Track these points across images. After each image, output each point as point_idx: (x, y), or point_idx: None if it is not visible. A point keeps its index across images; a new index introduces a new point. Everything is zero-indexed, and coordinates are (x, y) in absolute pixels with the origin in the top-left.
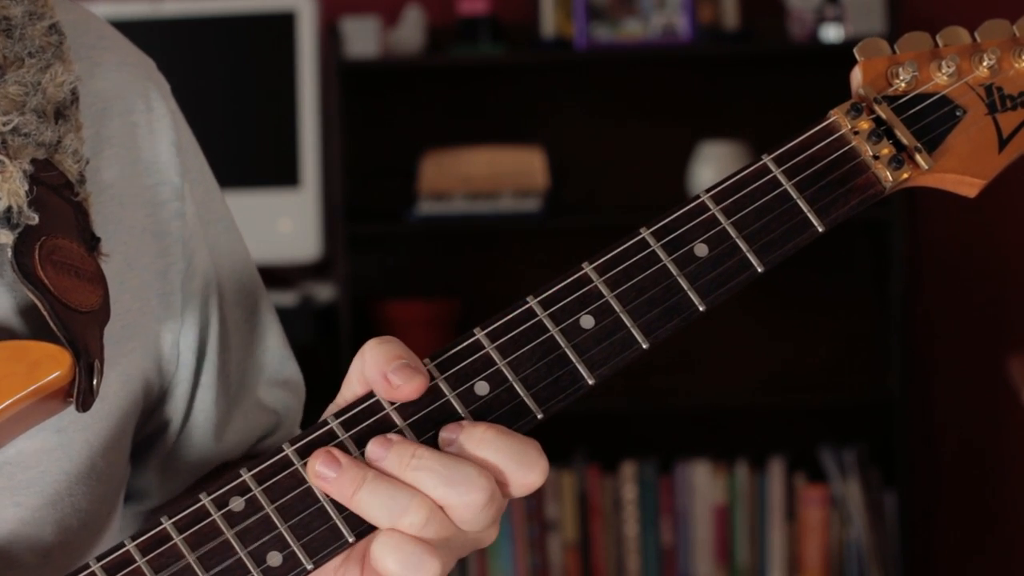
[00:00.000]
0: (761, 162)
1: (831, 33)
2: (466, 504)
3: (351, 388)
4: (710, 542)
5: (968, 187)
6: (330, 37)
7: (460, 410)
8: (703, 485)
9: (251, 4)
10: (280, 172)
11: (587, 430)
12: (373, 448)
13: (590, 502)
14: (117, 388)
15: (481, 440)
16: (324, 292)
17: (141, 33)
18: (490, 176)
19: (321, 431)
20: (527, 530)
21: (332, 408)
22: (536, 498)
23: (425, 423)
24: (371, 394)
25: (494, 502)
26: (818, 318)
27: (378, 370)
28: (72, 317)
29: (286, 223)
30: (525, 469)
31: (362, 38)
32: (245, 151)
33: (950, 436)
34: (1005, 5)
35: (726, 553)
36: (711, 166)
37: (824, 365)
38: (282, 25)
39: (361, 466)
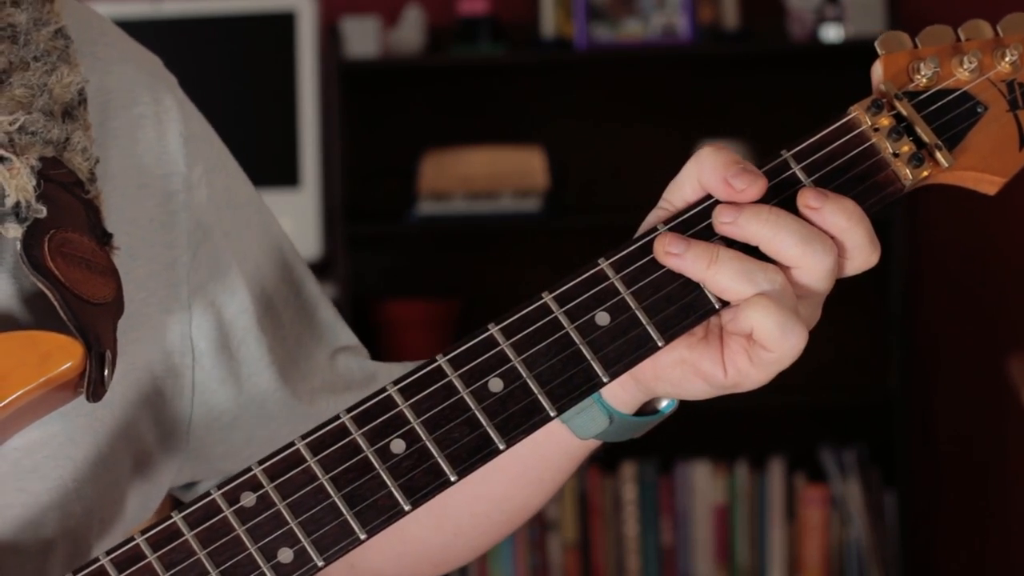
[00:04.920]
0: (781, 158)
1: (831, 33)
2: (816, 264)
3: (681, 193)
4: (710, 542)
5: (988, 185)
6: (330, 37)
7: (473, 407)
8: (703, 485)
9: (251, 4)
10: (280, 172)
11: None
12: (723, 210)
13: (590, 502)
14: (120, 377)
15: (845, 211)
16: (324, 292)
17: (141, 33)
18: (490, 176)
19: (332, 426)
20: (527, 530)
21: (656, 214)
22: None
23: (439, 419)
24: (383, 388)
25: (835, 272)
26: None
27: (718, 175)
28: (83, 308)
29: (286, 223)
30: (872, 247)
31: (362, 38)
32: (245, 151)
33: (950, 436)
34: (1006, 5)
35: (726, 553)
36: None
37: (824, 365)
38: (282, 25)
39: (709, 243)
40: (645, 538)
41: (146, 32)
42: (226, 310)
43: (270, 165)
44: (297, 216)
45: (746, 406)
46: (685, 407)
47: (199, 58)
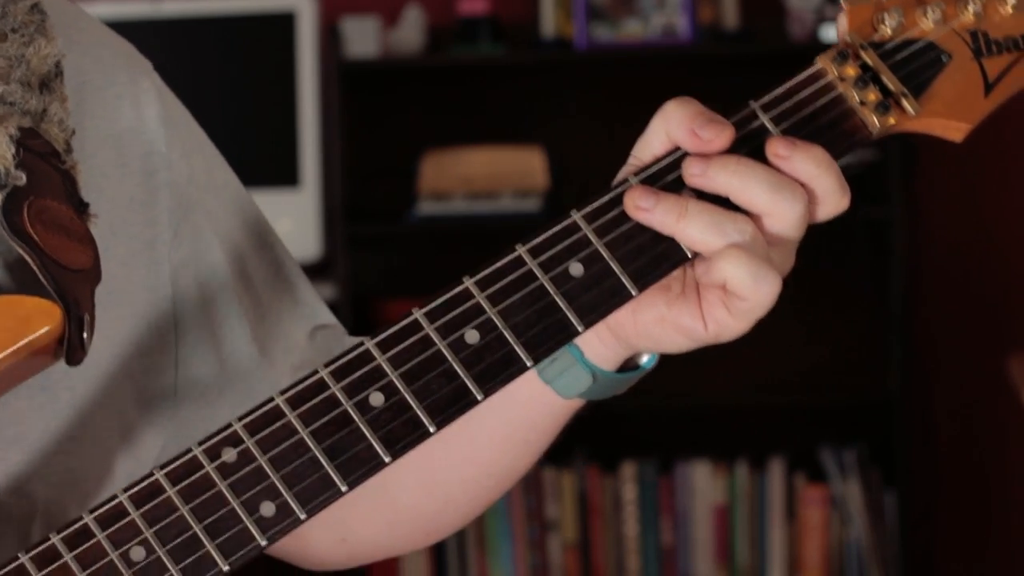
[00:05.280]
0: (749, 108)
1: (831, 33)
2: (786, 211)
3: (648, 148)
4: (710, 542)
5: (954, 131)
6: (330, 37)
7: (450, 359)
8: (703, 485)
9: (251, 4)
10: (280, 172)
11: (587, 430)
12: (692, 162)
13: (590, 502)
14: (104, 351)
15: (815, 158)
16: (324, 292)
17: (141, 33)
18: (490, 176)
19: (311, 380)
20: (527, 530)
21: (627, 169)
22: (536, 498)
23: (416, 371)
24: (361, 342)
25: (805, 219)
26: (818, 318)
27: (685, 126)
28: (62, 273)
29: (286, 223)
30: (842, 192)
31: (362, 38)
32: (245, 151)
33: (950, 436)
34: None
35: (726, 553)
36: None
37: (824, 365)
38: (282, 25)
39: (679, 196)
40: (645, 538)
41: (146, 32)
42: (207, 288)
43: (270, 165)
44: (297, 216)
45: (746, 406)
46: (685, 407)
47: (199, 58)
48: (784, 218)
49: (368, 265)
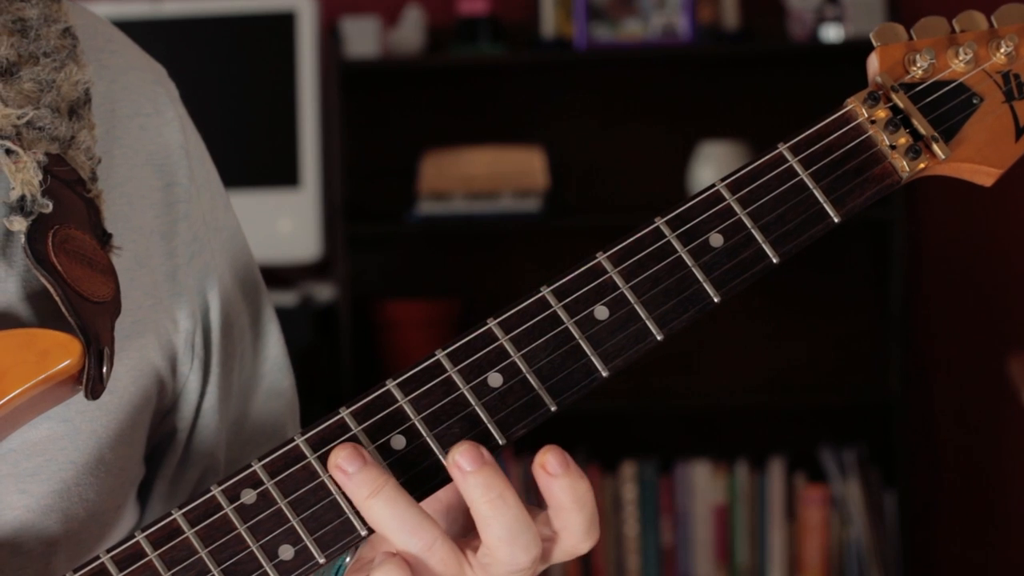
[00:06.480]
0: (777, 151)
1: (831, 33)
2: (507, 562)
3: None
4: (710, 542)
5: (984, 176)
6: (330, 37)
7: (473, 403)
8: (703, 485)
9: (251, 4)
10: (280, 172)
11: (587, 430)
12: (466, 452)
13: None
14: (127, 382)
15: (574, 490)
16: (324, 292)
17: (141, 33)
18: (490, 176)
19: (332, 422)
20: None
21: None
22: (536, 498)
23: (439, 415)
24: (383, 384)
25: (534, 567)
26: (818, 318)
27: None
28: (84, 305)
29: (286, 223)
30: (585, 536)
31: (362, 38)
32: (245, 151)
33: (950, 436)
34: (1004, 3)
35: (726, 553)
36: (711, 166)
37: (824, 365)
38: (282, 25)
39: (383, 472)
40: (645, 538)
41: (146, 32)
42: (208, 323)
43: (270, 165)
44: (297, 216)
45: (746, 406)
46: (685, 407)
47: (199, 58)
48: (502, 565)
49: (368, 265)
